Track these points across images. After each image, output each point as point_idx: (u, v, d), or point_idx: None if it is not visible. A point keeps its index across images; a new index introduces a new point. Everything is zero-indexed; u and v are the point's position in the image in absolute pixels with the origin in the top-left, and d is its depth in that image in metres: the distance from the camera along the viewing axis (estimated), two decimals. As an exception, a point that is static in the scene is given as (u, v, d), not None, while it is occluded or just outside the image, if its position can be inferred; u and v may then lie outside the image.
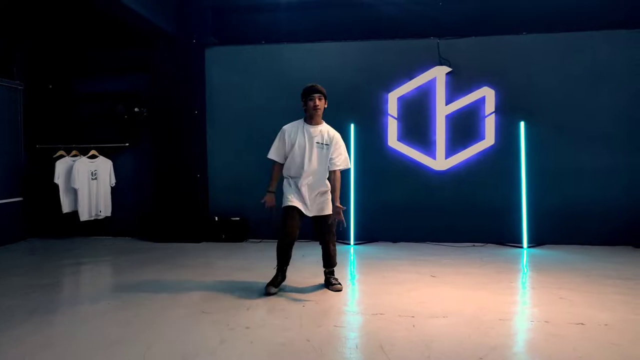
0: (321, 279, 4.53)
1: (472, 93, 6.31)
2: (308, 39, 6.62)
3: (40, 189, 6.93)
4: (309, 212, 4.22)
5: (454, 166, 6.39)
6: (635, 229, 6.03)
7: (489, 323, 3.39)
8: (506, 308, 3.75)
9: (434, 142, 6.41)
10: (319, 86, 4.27)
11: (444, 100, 6.37)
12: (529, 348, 3.04)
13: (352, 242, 6.41)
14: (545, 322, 3.41)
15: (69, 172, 6.63)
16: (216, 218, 6.69)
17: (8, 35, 6.68)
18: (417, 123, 6.45)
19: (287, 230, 4.15)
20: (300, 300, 3.96)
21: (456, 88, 6.35)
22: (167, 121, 6.68)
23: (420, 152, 6.44)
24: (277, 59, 6.72)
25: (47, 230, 7.03)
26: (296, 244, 4.31)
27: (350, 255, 5.87)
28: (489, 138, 6.30)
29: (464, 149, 6.35)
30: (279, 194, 4.30)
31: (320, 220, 4.26)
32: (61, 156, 6.76)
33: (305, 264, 5.18)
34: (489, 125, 6.29)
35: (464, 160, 6.36)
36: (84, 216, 6.70)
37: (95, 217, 6.81)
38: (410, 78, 6.42)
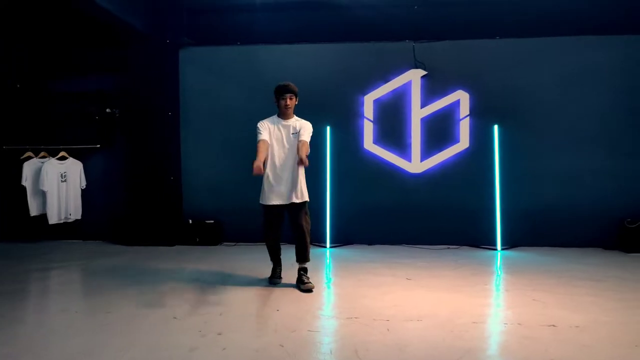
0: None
1: (447, 96, 6.35)
2: (284, 40, 6.58)
3: (6, 191, 6.71)
4: (286, 200, 4.38)
5: (429, 169, 6.42)
6: (605, 230, 6.15)
7: (463, 326, 3.39)
8: (480, 310, 3.77)
9: (410, 145, 6.43)
10: (292, 85, 4.45)
11: (419, 103, 6.40)
12: (503, 351, 3.05)
13: (328, 244, 6.38)
14: (519, 324, 3.43)
15: (37, 174, 6.44)
16: (190, 221, 6.58)
17: (-27, 33, 6.47)
18: (392, 126, 6.47)
19: (268, 231, 4.53)
20: (274, 304, 3.90)
21: (431, 91, 6.39)
22: (140, 122, 6.55)
23: (396, 154, 6.46)
24: (252, 60, 6.66)
25: (13, 234, 6.83)
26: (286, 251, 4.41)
27: (326, 258, 5.84)
28: (464, 141, 6.35)
29: (439, 151, 6.39)
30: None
31: (295, 207, 4.40)
32: (29, 157, 6.56)
33: (284, 269, 5.12)
34: (464, 129, 6.34)
35: (439, 163, 6.40)
36: (53, 219, 6.51)
37: (64, 220, 6.63)
38: (386, 81, 6.44)
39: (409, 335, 3.23)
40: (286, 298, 4.09)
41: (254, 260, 5.49)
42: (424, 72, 6.36)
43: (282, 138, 4.43)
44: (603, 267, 5.20)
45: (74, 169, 6.67)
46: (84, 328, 3.42)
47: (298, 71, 6.48)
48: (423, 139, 6.42)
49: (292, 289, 4.39)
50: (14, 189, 6.53)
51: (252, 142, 6.28)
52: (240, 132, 6.56)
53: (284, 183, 4.39)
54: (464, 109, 6.33)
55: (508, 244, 6.24)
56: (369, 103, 6.47)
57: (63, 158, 6.62)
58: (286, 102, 4.40)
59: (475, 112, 6.34)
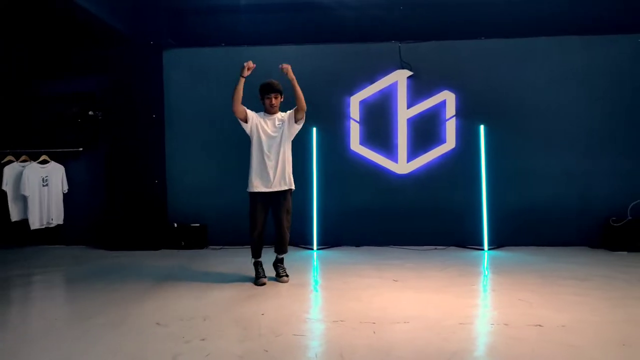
0: (283, 287, 4.47)
1: (433, 97, 6.35)
2: (269, 41, 6.52)
3: (-14, 196, 6.56)
4: (271, 188, 4.47)
5: (415, 169, 6.41)
6: (591, 229, 6.19)
7: (450, 328, 3.37)
8: (467, 311, 3.75)
9: (396, 146, 6.42)
10: (277, 83, 4.53)
11: (405, 103, 6.39)
12: (489, 352, 3.03)
13: (315, 247, 6.34)
14: (505, 324, 3.42)
15: (18, 179, 6.31)
16: (175, 224, 6.49)
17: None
18: (379, 127, 6.45)
19: (254, 222, 4.55)
20: (259, 308, 3.84)
21: (417, 92, 6.38)
22: (124, 125, 6.46)
23: (383, 155, 6.44)
24: (237, 61, 6.44)
25: (-6, 240, 6.68)
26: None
27: (313, 260, 5.79)
28: (450, 141, 6.35)
29: (425, 152, 6.38)
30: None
31: (279, 196, 4.50)
32: (9, 161, 6.42)
33: (266, 271, 5.07)
34: (450, 129, 6.34)
35: (425, 164, 6.39)
36: (34, 224, 6.39)
37: (46, 226, 6.50)
38: (372, 82, 6.42)
39: (396, 338, 3.20)
40: (272, 302, 4.03)
41: (240, 263, 5.43)
42: (409, 73, 6.35)
43: (267, 128, 4.49)
44: (589, 266, 5.21)
45: (55, 173, 6.55)
46: (63, 336, 3.33)
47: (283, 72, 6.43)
48: (409, 139, 6.41)
49: (277, 292, 4.34)
50: (-6, 194, 6.39)
51: (237, 144, 6.26)
52: (226, 134, 6.49)
53: (271, 171, 4.46)
54: (450, 110, 6.34)
55: (495, 244, 6.24)
56: (355, 104, 6.44)
57: (44, 162, 6.49)
58: (271, 101, 4.46)
59: (461, 113, 6.34)
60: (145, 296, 4.24)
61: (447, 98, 6.33)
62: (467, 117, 6.33)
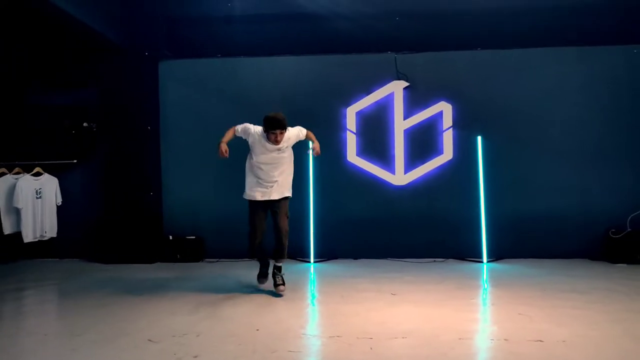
0: (279, 301, 4.39)
1: (430, 108, 6.32)
2: (265, 52, 6.50)
3: (-21, 209, 6.47)
4: (270, 197, 4.48)
5: (413, 181, 6.35)
6: (591, 241, 6.13)
7: (449, 343, 3.30)
8: (466, 326, 3.68)
9: (393, 157, 6.37)
10: (282, 119, 4.36)
11: (402, 115, 6.36)
12: (489, 369, 2.96)
13: (311, 259, 6.26)
14: (505, 340, 3.35)
15: (11, 191, 6.21)
16: (170, 237, 6.41)
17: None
18: (375, 138, 6.41)
19: (253, 228, 4.55)
20: (254, 323, 3.76)
21: (414, 103, 6.35)
22: (119, 137, 6.41)
23: (380, 167, 6.39)
24: (233, 72, 6.57)
25: (-14, 254, 6.57)
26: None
27: (310, 273, 5.72)
28: (447, 152, 6.31)
29: (423, 163, 6.33)
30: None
31: (278, 204, 4.51)
32: (2, 174, 6.34)
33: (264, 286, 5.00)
34: (447, 140, 6.31)
35: (422, 175, 6.34)
36: (28, 237, 6.27)
37: (40, 238, 6.40)
38: (368, 93, 6.39)
39: (393, 354, 3.13)
40: (267, 317, 3.95)
41: (236, 277, 5.36)
42: (406, 84, 6.33)
43: (270, 148, 4.45)
44: (589, 278, 5.15)
45: (49, 185, 6.47)
46: (52, 353, 3.25)
47: (279, 83, 6.43)
48: (406, 150, 6.37)
49: (273, 306, 4.26)
50: (-14, 206, 6.30)
51: (234, 156, 6.20)
52: (222, 145, 6.45)
53: (271, 184, 4.50)
54: (447, 120, 6.30)
55: (494, 256, 6.18)
56: (351, 115, 6.41)
57: (38, 174, 6.41)
58: (276, 137, 4.37)
59: (458, 124, 6.31)
60: (138, 311, 4.15)
61: (444, 109, 6.30)
62: (464, 128, 6.30)
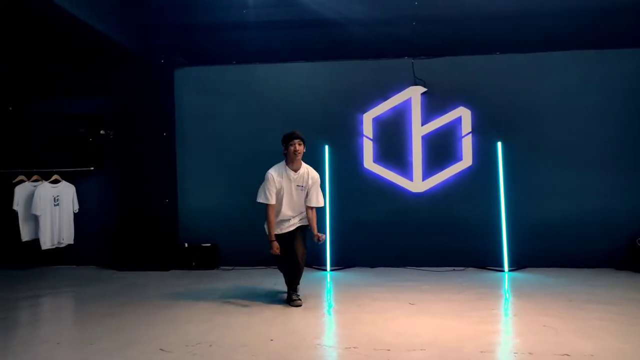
0: (295, 310, 4.33)
1: (448, 113, 6.20)
2: (280, 58, 6.47)
3: (-3, 216, 6.54)
4: (289, 229, 4.58)
5: (431, 188, 6.23)
6: (616, 250, 5.92)
7: (469, 356, 3.17)
8: (488, 339, 3.54)
9: (411, 164, 6.26)
10: (299, 132, 4.52)
11: (419, 120, 6.25)
12: (513, 384, 2.82)
13: (328, 267, 6.16)
14: (530, 353, 3.20)
15: (30, 198, 6.28)
16: (186, 244, 6.39)
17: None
18: (393, 144, 6.30)
19: (282, 262, 4.57)
20: (269, 333, 3.68)
21: (432, 108, 6.24)
22: (135, 144, 6.42)
23: (397, 173, 6.28)
24: (248, 79, 6.54)
25: (4, 260, 6.62)
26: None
27: (326, 282, 5.62)
28: (467, 159, 6.17)
29: (441, 170, 6.21)
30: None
31: (296, 232, 4.58)
32: (21, 181, 6.41)
33: (279, 293, 4.91)
34: (466, 146, 6.17)
35: (441, 182, 6.21)
36: (46, 244, 6.33)
37: (57, 246, 6.44)
38: (385, 98, 6.30)
39: (412, 367, 3.01)
40: (282, 327, 3.86)
41: (251, 285, 5.30)
42: (423, 89, 6.22)
43: (290, 189, 4.53)
44: (615, 288, 4.96)
45: (66, 192, 6.51)
46: (64, 362, 3.20)
47: (295, 90, 6.39)
48: (424, 157, 6.25)
49: (288, 316, 4.17)
50: (4, 213, 6.36)
51: (249, 163, 6.17)
52: (237, 152, 6.43)
53: (291, 220, 4.59)
54: (466, 126, 6.17)
55: (515, 265, 6.00)
56: (368, 121, 6.32)
57: (56, 181, 6.46)
58: (295, 147, 4.45)
59: (477, 129, 6.17)
60: (151, 319, 4.10)
61: (463, 114, 6.18)
62: (484, 134, 6.16)
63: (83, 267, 6.58)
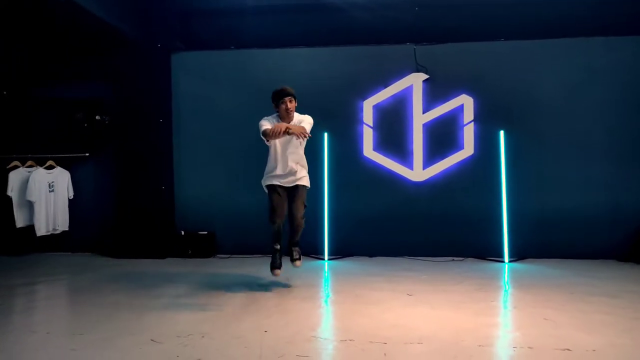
0: (290, 300, 4.24)
1: (450, 101, 6.08)
2: (280, 44, 6.34)
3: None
4: (286, 184, 4.42)
5: (432, 177, 6.13)
6: (619, 241, 5.83)
7: (467, 350, 3.08)
8: (486, 332, 3.46)
9: (411, 152, 6.15)
10: (289, 88, 4.38)
11: (421, 108, 6.12)
12: (512, 379, 2.74)
13: (326, 257, 6.08)
14: (529, 348, 3.12)
15: (24, 184, 6.20)
16: (182, 232, 6.31)
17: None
18: (393, 132, 6.19)
19: (273, 204, 4.40)
20: (263, 324, 3.60)
21: (433, 96, 6.12)
22: (131, 130, 6.31)
23: (397, 162, 6.17)
24: (247, 65, 6.41)
25: (-1, 247, 6.57)
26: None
27: (324, 271, 5.54)
28: (468, 147, 6.06)
29: (442, 159, 6.10)
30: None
31: (294, 190, 4.42)
32: (15, 167, 6.32)
33: (275, 284, 4.84)
34: (468, 134, 6.06)
35: (442, 171, 6.11)
36: (41, 231, 6.26)
37: (52, 232, 6.36)
38: (386, 85, 6.17)
39: (408, 361, 2.93)
40: (276, 317, 3.78)
41: (247, 274, 5.22)
42: (425, 76, 6.09)
43: (285, 138, 4.31)
44: (617, 281, 4.88)
45: (61, 178, 6.42)
46: (51, 353, 3.12)
47: (294, 75, 6.25)
48: (425, 145, 6.14)
49: (284, 306, 4.10)
50: (-1, 199, 6.29)
51: (247, 150, 6.07)
52: (235, 139, 6.33)
53: (287, 171, 4.40)
54: (468, 114, 6.05)
55: (516, 256, 5.92)
56: (368, 108, 6.20)
57: (51, 167, 6.37)
58: (286, 105, 4.31)
59: (479, 118, 6.05)
60: (144, 309, 4.03)
61: (465, 102, 6.05)
62: (486, 122, 6.04)
63: (79, 254, 6.52)
